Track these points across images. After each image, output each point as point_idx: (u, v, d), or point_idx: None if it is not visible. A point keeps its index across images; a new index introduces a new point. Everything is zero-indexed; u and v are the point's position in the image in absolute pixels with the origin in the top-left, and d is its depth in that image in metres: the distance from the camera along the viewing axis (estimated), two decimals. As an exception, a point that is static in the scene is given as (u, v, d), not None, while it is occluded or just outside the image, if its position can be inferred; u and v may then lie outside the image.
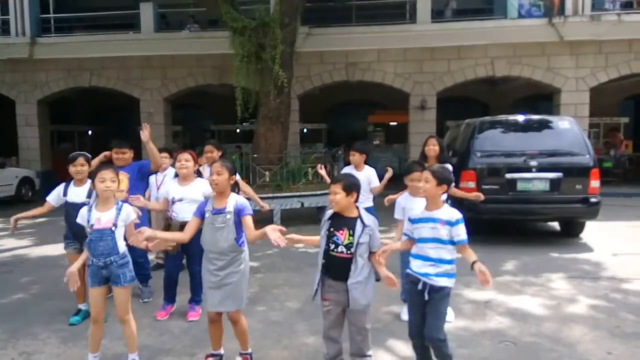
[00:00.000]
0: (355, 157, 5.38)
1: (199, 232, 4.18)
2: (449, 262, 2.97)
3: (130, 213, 3.39)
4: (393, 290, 4.93)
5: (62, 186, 4.39)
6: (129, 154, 4.85)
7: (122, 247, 3.36)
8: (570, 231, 7.69)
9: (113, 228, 3.29)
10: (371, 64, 13.57)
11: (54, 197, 4.39)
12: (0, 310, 4.74)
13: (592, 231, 7.70)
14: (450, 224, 2.94)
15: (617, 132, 15.92)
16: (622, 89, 16.56)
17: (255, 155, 9.92)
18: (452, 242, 2.95)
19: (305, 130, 17.72)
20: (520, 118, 7.58)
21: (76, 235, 4.28)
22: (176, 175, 4.48)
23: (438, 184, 2.98)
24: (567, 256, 6.52)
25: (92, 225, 3.27)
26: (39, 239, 8.22)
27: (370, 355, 3.14)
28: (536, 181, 6.94)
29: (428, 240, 2.99)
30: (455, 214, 2.97)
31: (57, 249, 7.33)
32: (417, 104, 13.40)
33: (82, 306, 4.42)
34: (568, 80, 12.93)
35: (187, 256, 4.51)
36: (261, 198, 8.60)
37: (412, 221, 3.10)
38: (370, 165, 5.60)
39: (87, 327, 4.10)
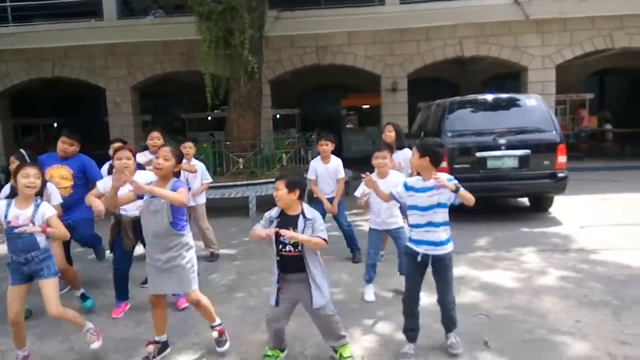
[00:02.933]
0: (329, 146, 5.35)
1: None
2: (447, 223, 3.23)
3: (47, 210, 3.31)
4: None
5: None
6: (75, 147, 4.75)
7: (42, 242, 3.27)
8: (540, 206, 7.91)
9: (30, 225, 3.19)
10: (342, 46, 13.52)
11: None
12: (-30, 310, 4.61)
13: (560, 205, 7.92)
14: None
15: (583, 108, 16.33)
16: (586, 66, 16.93)
17: (227, 143, 9.83)
18: (447, 205, 3.17)
19: (278, 115, 17.59)
20: (489, 97, 7.70)
21: None
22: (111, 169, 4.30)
23: (421, 156, 3.18)
24: (537, 230, 6.71)
25: (8, 222, 3.17)
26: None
27: (345, 335, 3.25)
28: (505, 159, 7.09)
29: (427, 209, 3.17)
30: (444, 175, 3.15)
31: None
32: (388, 86, 13.45)
33: (82, 290, 4.54)
34: (534, 59, 13.17)
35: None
36: (236, 186, 8.68)
37: (409, 189, 3.26)
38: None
39: (64, 322, 4.06)
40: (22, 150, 4.28)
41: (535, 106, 7.38)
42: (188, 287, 3.36)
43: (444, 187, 3.05)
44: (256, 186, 8.92)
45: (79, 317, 3.46)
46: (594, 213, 7.65)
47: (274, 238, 2.98)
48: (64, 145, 4.66)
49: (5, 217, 3.18)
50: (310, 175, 5.50)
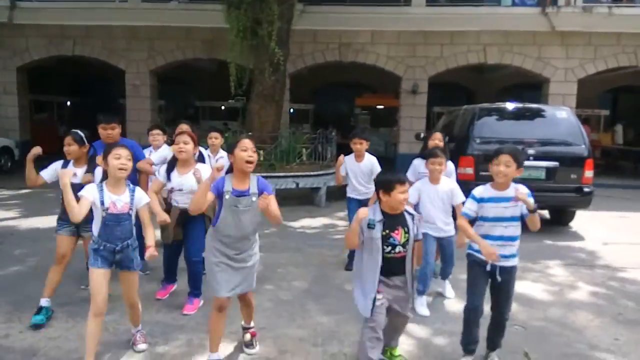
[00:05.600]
0: (363, 145, 5.15)
1: (200, 222, 4.06)
2: (518, 238, 3.11)
3: (142, 197, 3.22)
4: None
5: (59, 163, 4.00)
6: (118, 130, 4.45)
7: (134, 230, 3.22)
8: (561, 220, 7.87)
9: (130, 212, 3.13)
10: (365, 45, 13.47)
11: (49, 173, 3.96)
12: (0, 282, 4.60)
13: (580, 220, 7.88)
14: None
15: (585, 124, 16.13)
16: (604, 82, 16.86)
17: (249, 134, 9.77)
18: (520, 218, 3.07)
19: (292, 110, 17.52)
20: (520, 106, 7.66)
21: None
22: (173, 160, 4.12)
23: (517, 167, 3.06)
24: (560, 244, 6.68)
25: (107, 209, 3.05)
26: (25, 210, 7.99)
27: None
28: (532, 169, 7.03)
29: (502, 220, 3.05)
30: (524, 188, 3.06)
31: (45, 221, 7.18)
32: (408, 88, 13.40)
33: (45, 302, 3.82)
34: (557, 71, 13.12)
35: (187, 246, 4.16)
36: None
37: (479, 200, 3.09)
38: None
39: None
40: (79, 131, 3.96)
41: (565, 118, 7.35)
42: (254, 284, 3.29)
43: (524, 202, 2.98)
44: (276, 179, 8.87)
45: (140, 317, 3.44)
46: (615, 230, 7.61)
47: (380, 241, 2.82)
48: (106, 131, 4.37)
49: (102, 203, 3.05)
50: (341, 170, 5.40)
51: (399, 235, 2.86)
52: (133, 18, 13.63)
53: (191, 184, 3.94)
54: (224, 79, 11.27)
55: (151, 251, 3.10)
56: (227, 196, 3.03)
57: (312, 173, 9.15)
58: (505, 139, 7.12)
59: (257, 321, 3.65)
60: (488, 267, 3.06)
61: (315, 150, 10.55)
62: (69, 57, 14.34)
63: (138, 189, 3.23)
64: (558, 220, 7.94)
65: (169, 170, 4.03)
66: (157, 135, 5.36)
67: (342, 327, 3.79)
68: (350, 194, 5.35)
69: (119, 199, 3.08)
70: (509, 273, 3.09)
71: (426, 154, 4.45)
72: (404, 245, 2.87)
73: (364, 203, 5.32)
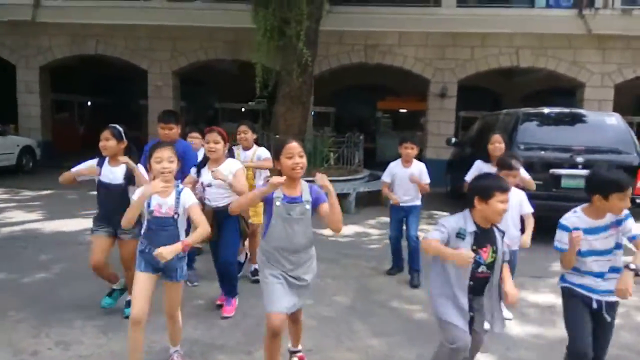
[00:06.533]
0: (414, 150, 4.92)
1: (234, 223, 3.91)
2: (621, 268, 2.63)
3: (189, 197, 2.96)
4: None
5: (95, 162, 3.77)
6: (175, 129, 4.31)
7: (183, 237, 2.91)
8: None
9: (175, 216, 2.89)
10: (392, 47, 13.08)
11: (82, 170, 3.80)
12: (26, 290, 4.35)
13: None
14: (619, 222, 2.62)
15: None
16: (637, 87, 16.30)
17: (277, 136, 9.48)
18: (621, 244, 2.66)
19: (313, 112, 17.22)
20: (565, 111, 7.27)
21: (110, 219, 3.71)
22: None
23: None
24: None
25: (151, 212, 2.86)
26: (48, 213, 7.76)
27: None
28: (580, 179, 6.63)
29: (604, 253, 2.64)
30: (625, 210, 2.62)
31: (69, 224, 7.00)
32: (437, 91, 12.97)
33: (116, 286, 3.98)
34: (593, 76, 12.60)
35: (220, 249, 3.95)
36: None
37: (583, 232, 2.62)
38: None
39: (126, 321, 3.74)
40: (117, 126, 3.74)
41: (615, 125, 6.93)
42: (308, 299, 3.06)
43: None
44: (303, 184, 8.56)
45: (181, 335, 3.19)
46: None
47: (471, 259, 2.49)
48: (164, 130, 4.27)
49: (149, 205, 2.87)
50: (385, 177, 5.11)
51: (486, 254, 2.52)
52: (156, 17, 13.42)
53: (219, 180, 3.81)
54: (244, 81, 10.93)
55: (176, 247, 2.73)
56: (277, 203, 2.74)
57: (340, 178, 8.82)
58: (550, 146, 6.81)
59: (303, 342, 3.32)
60: (594, 305, 2.65)
61: (342, 155, 10.24)
62: (91, 56, 14.20)
63: (185, 191, 2.99)
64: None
65: (200, 167, 3.98)
66: (195, 139, 5.14)
67: (396, 351, 3.45)
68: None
69: (165, 202, 2.89)
70: (614, 309, 2.71)
71: (500, 163, 4.04)
72: (488, 267, 2.55)
73: (406, 210, 5.04)
